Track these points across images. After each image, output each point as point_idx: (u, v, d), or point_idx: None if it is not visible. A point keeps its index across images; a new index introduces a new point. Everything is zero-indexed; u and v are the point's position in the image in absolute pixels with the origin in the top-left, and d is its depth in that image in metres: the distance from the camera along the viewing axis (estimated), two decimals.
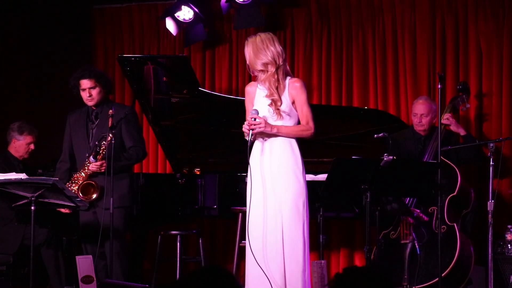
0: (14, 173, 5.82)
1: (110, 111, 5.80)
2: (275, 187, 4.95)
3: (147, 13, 7.97)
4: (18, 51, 8.08)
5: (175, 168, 7.10)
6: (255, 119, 4.89)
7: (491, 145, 5.78)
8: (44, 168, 7.00)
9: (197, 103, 6.91)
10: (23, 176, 5.63)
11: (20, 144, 6.77)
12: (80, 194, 5.94)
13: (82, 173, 6.02)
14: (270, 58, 4.96)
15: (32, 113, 7.82)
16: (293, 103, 5.00)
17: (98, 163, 5.91)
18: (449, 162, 6.13)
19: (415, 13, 7.18)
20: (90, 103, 6.10)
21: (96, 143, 5.92)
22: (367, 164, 5.00)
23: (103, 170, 5.90)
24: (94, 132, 6.08)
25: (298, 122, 5.04)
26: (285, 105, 4.97)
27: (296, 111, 5.00)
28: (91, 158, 5.91)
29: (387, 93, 7.25)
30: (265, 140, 5.00)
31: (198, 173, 6.91)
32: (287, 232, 4.91)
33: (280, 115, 4.94)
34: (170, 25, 7.47)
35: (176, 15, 7.44)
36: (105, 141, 5.83)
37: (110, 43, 8.09)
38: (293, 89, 4.99)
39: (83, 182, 5.99)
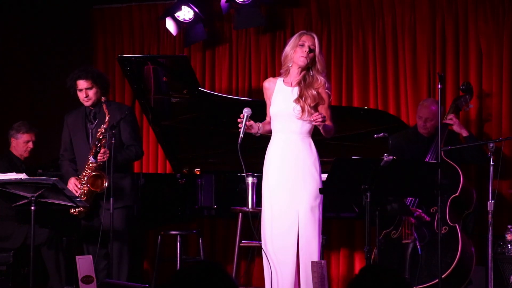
0: (14, 173, 5.81)
1: (107, 118, 5.81)
2: (292, 186, 4.98)
3: (147, 13, 7.98)
4: (18, 51, 8.07)
5: (175, 168, 7.10)
6: (248, 118, 4.93)
7: (491, 145, 5.76)
8: (44, 168, 6.99)
9: (197, 103, 6.91)
10: (23, 176, 5.62)
11: (18, 143, 6.78)
12: (92, 188, 5.90)
13: (87, 170, 5.98)
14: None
15: (32, 113, 7.81)
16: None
17: (102, 150, 5.87)
18: (451, 162, 6.11)
19: (415, 13, 7.18)
20: (87, 104, 6.09)
21: (96, 143, 5.91)
22: (367, 164, 4.99)
23: (106, 159, 5.85)
24: (94, 132, 6.07)
25: None
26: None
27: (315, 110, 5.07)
28: (91, 158, 5.90)
29: (387, 93, 7.25)
30: (283, 138, 5.05)
31: (198, 173, 6.91)
32: (303, 231, 4.94)
33: (303, 115, 5.01)
34: (170, 25, 7.47)
35: (176, 15, 7.44)
36: (102, 137, 5.83)
37: (110, 43, 8.09)
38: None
39: (90, 176, 5.93)
